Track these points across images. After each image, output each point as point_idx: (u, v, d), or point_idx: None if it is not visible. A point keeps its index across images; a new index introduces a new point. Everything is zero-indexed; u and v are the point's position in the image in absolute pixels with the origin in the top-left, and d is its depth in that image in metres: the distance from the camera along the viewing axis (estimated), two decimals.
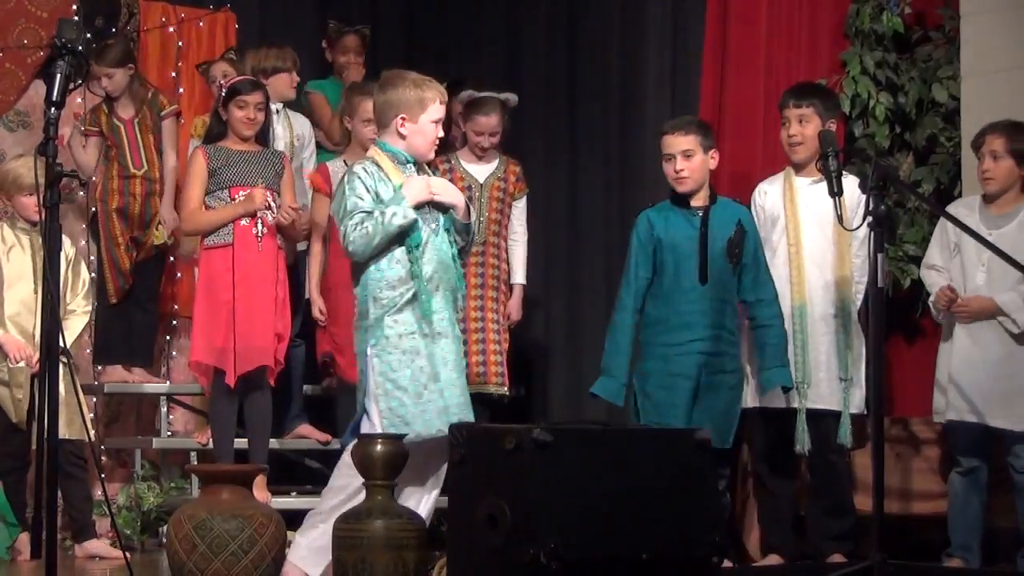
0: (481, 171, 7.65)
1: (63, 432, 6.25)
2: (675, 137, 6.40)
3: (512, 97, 7.75)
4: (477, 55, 9.43)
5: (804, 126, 6.55)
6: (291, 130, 7.91)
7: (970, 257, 6.25)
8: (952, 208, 6.39)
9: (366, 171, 5.58)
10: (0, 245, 7.10)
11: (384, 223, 5.42)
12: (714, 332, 6.26)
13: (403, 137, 5.64)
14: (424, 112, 5.63)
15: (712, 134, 6.55)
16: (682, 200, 6.38)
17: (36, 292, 7.00)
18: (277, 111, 7.81)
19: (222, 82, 7.53)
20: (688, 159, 6.32)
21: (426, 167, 5.81)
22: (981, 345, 6.19)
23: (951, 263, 6.34)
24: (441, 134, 5.73)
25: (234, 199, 7.15)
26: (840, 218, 6.02)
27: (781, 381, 6.26)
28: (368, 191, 5.53)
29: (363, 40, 8.67)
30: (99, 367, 8.05)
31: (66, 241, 7.15)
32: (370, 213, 5.47)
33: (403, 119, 5.63)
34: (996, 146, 6.28)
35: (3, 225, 7.17)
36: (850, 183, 6.08)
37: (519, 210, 7.77)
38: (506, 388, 7.54)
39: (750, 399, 6.49)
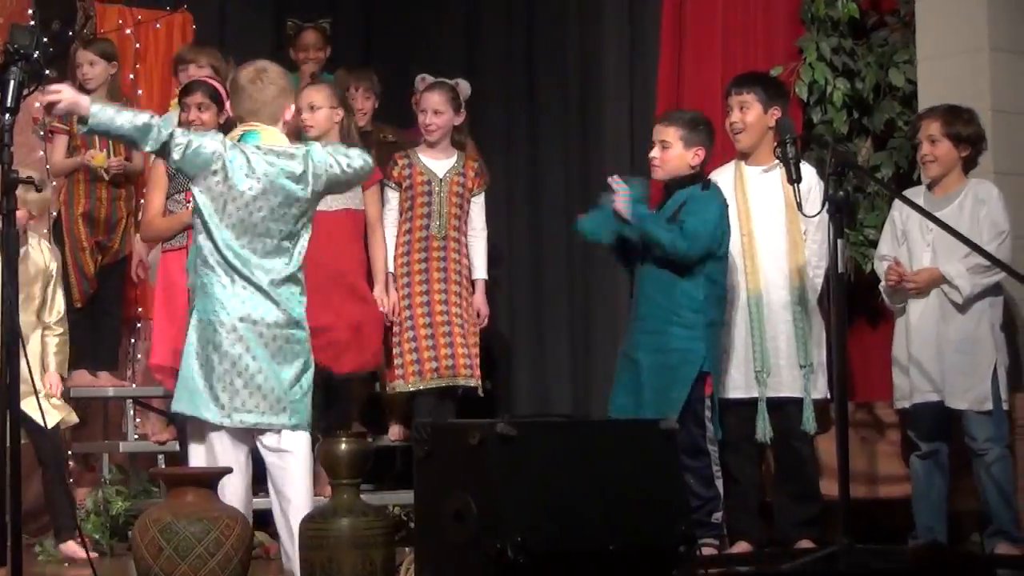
0: (440, 166, 7.60)
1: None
2: (656, 127, 6.51)
3: (463, 83, 7.74)
4: (436, 51, 9.44)
5: (745, 113, 6.59)
6: None
7: (916, 239, 6.30)
8: (914, 191, 6.43)
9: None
10: None
11: None
12: (652, 311, 6.27)
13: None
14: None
15: (705, 130, 6.47)
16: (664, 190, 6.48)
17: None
18: None
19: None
20: (662, 149, 6.38)
21: None
22: (934, 327, 6.22)
23: (899, 250, 6.37)
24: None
25: (190, 202, 7.11)
26: (800, 205, 5.98)
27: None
28: None
29: (322, 35, 8.67)
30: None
31: (46, 249, 7.19)
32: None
33: (289, 116, 5.78)
34: (932, 130, 6.33)
35: None
36: (806, 170, 6.10)
37: (478, 205, 7.71)
38: (475, 380, 7.49)
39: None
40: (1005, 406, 6.16)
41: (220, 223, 5.54)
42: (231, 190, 5.51)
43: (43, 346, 7.10)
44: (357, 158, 5.68)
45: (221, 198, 5.53)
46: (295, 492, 5.38)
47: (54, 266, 7.21)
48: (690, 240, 6.18)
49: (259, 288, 5.55)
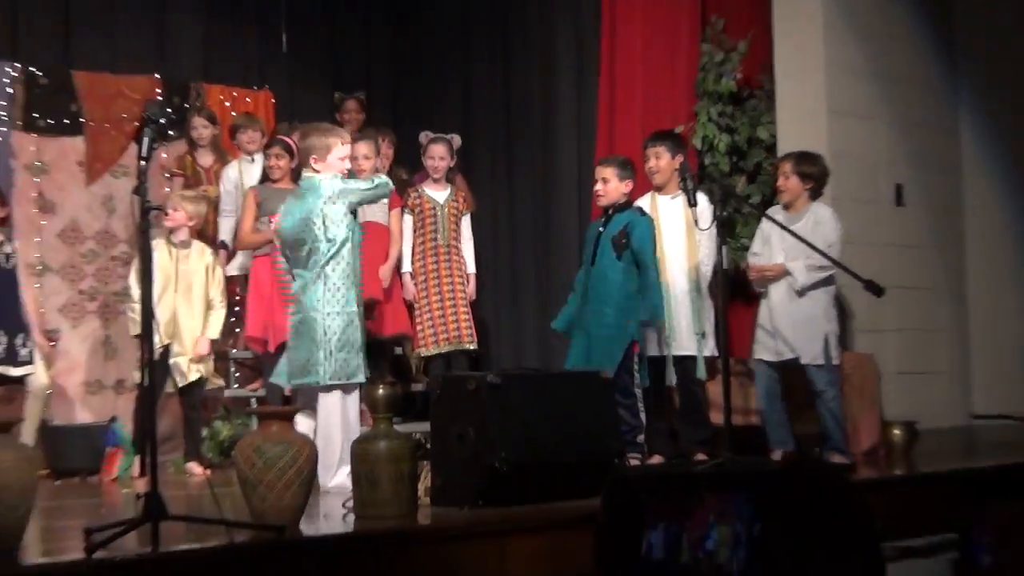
0: (440, 196, 7.59)
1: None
2: (597, 168, 6.42)
3: (456, 137, 7.76)
4: (442, 111, 9.41)
5: (659, 160, 6.50)
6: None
7: (775, 244, 6.27)
8: (773, 210, 6.39)
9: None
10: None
11: None
12: (599, 299, 6.17)
13: (317, 172, 5.68)
14: (329, 153, 5.66)
15: (631, 169, 6.36)
16: (602, 212, 6.40)
17: (175, 291, 6.98)
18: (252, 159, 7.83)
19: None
20: (604, 184, 6.30)
21: None
22: (787, 305, 6.20)
23: (764, 251, 6.36)
24: (347, 166, 5.75)
25: (273, 222, 7.15)
26: (696, 222, 6.03)
27: (651, 317, 6.15)
28: None
29: (359, 103, 8.62)
30: None
31: (206, 249, 7.19)
32: None
33: (315, 158, 5.67)
34: (785, 169, 6.31)
35: (161, 242, 7.01)
36: (701, 197, 6.09)
37: (466, 222, 7.70)
38: (474, 344, 7.52)
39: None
40: (836, 361, 6.14)
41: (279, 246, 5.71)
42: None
43: (206, 319, 7.07)
44: (373, 185, 5.70)
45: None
46: (319, 438, 5.45)
47: (211, 258, 7.18)
48: (650, 263, 6.14)
49: (293, 287, 5.68)
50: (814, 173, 6.31)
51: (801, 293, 6.15)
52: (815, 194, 6.35)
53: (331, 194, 5.59)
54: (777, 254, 6.27)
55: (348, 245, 5.62)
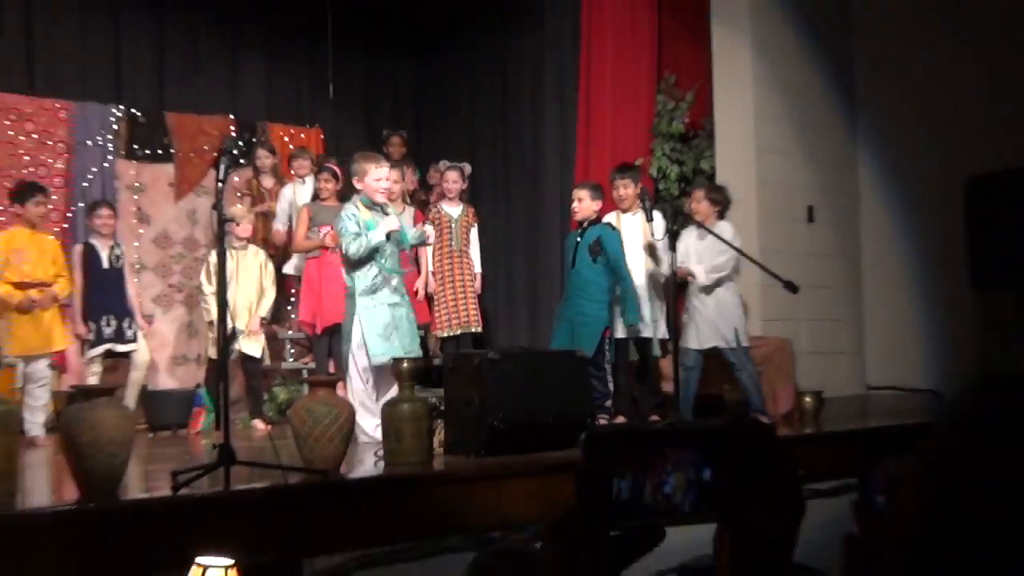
0: (454, 212, 7.59)
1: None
2: (574, 190, 6.40)
3: (467, 165, 7.78)
4: (452, 141, 9.39)
5: (625, 190, 6.46)
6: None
7: (691, 253, 6.18)
8: (688, 229, 6.27)
9: (350, 213, 5.49)
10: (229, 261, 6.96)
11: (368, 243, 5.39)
12: (578, 294, 6.14)
13: (360, 191, 5.55)
14: (366, 175, 5.52)
15: (600, 191, 6.31)
16: (578, 224, 6.36)
17: (236, 283, 6.96)
18: (304, 181, 7.76)
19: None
20: (579, 203, 6.27)
21: (387, 208, 5.64)
22: (705, 301, 6.13)
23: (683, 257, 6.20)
24: (384, 186, 5.52)
25: (321, 232, 7.14)
26: (653, 233, 5.99)
27: (631, 321, 6.14)
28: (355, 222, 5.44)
29: (402, 139, 8.62)
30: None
31: (260, 251, 7.19)
32: (358, 235, 5.40)
33: (356, 179, 5.57)
34: (698, 196, 6.27)
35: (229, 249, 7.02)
36: (656, 214, 6.05)
37: (474, 232, 7.71)
38: (480, 327, 7.56)
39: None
40: (745, 344, 6.08)
41: None
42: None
43: (259, 302, 7.04)
44: (352, 249, 5.38)
45: None
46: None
47: (264, 256, 7.18)
48: (626, 274, 6.08)
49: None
50: (720, 199, 6.28)
51: (707, 292, 6.09)
52: (721, 215, 6.29)
53: (339, 228, 5.50)
54: (693, 260, 6.21)
55: (350, 262, 5.49)
